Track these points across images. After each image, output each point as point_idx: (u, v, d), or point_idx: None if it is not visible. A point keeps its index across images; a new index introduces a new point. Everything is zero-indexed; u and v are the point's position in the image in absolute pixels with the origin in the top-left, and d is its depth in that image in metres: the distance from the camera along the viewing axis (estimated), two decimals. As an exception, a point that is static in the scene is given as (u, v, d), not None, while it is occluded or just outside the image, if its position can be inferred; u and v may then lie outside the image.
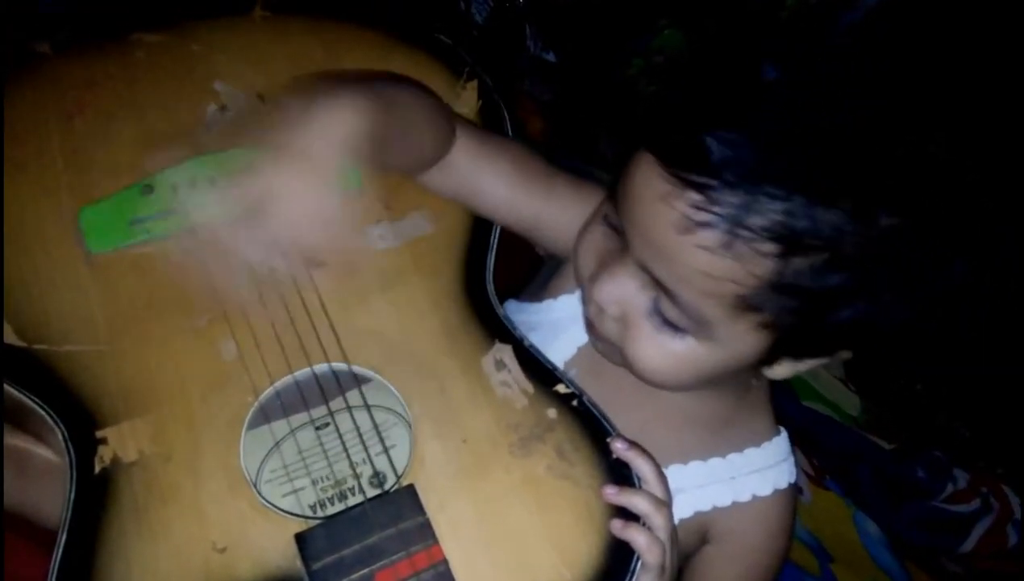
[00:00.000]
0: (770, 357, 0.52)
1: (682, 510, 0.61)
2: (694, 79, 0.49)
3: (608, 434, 0.56)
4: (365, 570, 0.49)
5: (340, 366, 0.57)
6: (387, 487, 0.54)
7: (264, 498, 0.53)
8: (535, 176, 0.65)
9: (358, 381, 0.57)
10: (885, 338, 0.50)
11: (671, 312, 0.50)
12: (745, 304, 0.47)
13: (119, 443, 0.53)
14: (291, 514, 0.52)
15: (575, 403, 0.57)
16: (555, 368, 0.59)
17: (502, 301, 0.63)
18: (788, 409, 1.15)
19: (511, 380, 0.58)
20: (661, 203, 0.47)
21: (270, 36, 0.74)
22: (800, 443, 0.93)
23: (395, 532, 0.50)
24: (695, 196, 0.45)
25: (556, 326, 0.65)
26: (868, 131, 0.44)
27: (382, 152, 0.53)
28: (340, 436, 0.55)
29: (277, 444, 0.55)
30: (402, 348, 0.58)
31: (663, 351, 0.52)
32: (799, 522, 1.02)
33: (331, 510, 0.53)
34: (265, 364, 0.56)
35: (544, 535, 0.52)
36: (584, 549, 0.52)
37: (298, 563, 0.50)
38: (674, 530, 0.55)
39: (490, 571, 0.51)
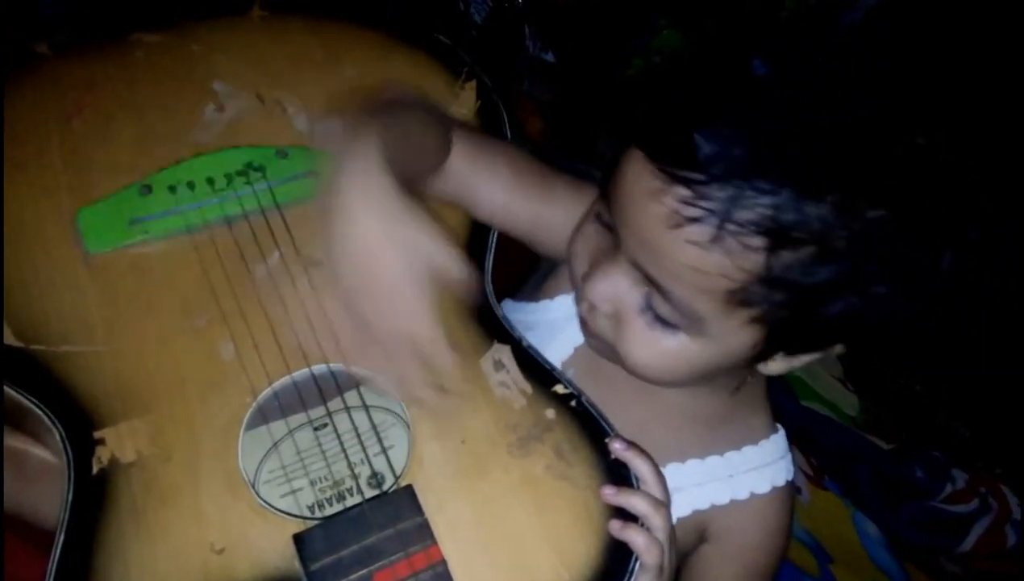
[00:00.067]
0: (763, 353, 0.52)
1: (680, 509, 0.61)
2: (684, 76, 0.49)
3: (606, 434, 0.56)
4: (363, 571, 0.49)
5: (338, 367, 0.57)
6: (385, 488, 0.54)
7: (262, 499, 0.53)
8: (532, 179, 0.65)
9: (356, 382, 0.57)
10: (878, 333, 0.50)
11: (663, 308, 0.50)
12: (736, 299, 0.47)
13: (117, 444, 0.53)
14: (289, 515, 0.52)
15: (573, 403, 0.57)
16: (553, 368, 0.59)
17: (499, 301, 0.63)
18: (787, 409, 1.15)
19: (509, 380, 0.58)
20: (651, 199, 0.47)
21: (269, 36, 0.74)
22: (799, 443, 0.93)
23: (393, 533, 0.50)
24: (684, 191, 0.45)
25: (553, 326, 0.66)
26: (865, 129, 0.44)
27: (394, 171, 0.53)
28: (338, 437, 0.55)
29: (275, 445, 0.55)
30: (400, 348, 0.58)
31: (656, 347, 0.52)
32: (798, 522, 1.02)
33: (329, 511, 0.53)
34: (263, 365, 0.56)
35: (542, 535, 0.52)
36: (582, 549, 0.52)
37: (296, 564, 0.49)
38: (672, 530, 0.55)
39: (488, 572, 0.51)
